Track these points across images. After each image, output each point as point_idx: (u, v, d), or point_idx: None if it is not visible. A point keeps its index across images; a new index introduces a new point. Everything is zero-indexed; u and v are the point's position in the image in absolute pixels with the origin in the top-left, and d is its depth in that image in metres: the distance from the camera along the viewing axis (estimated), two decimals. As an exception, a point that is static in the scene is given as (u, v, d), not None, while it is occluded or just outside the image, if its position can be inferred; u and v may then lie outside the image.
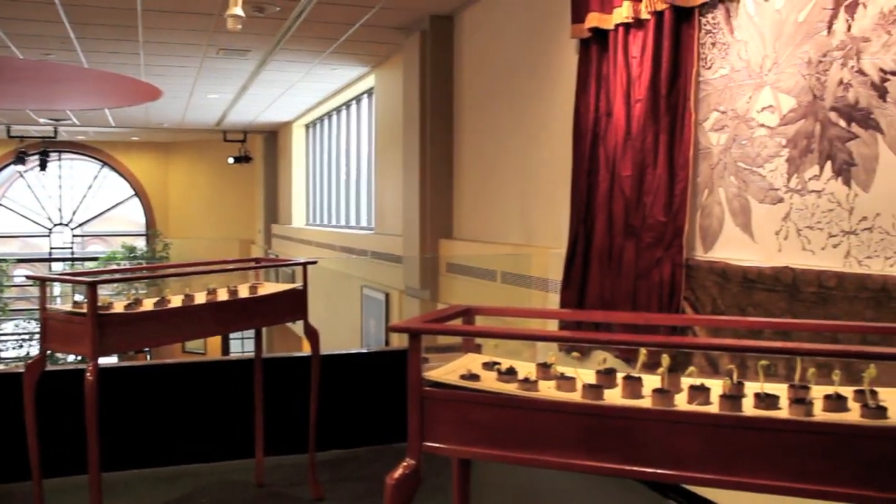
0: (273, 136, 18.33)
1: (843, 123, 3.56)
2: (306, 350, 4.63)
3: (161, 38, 8.95)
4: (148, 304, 3.89)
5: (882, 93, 3.37)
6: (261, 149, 18.67)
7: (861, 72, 3.47)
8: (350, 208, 13.34)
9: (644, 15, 4.66)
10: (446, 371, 2.44)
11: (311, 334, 4.47)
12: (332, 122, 14.38)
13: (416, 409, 2.27)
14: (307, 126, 16.30)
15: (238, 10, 5.81)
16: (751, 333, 3.30)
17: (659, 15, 4.57)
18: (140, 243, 20.69)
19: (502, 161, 6.99)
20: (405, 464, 2.28)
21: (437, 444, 2.28)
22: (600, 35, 5.10)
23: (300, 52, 9.69)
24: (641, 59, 4.72)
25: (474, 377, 2.33)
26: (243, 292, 4.26)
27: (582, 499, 4.60)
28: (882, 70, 3.37)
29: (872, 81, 3.41)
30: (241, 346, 17.60)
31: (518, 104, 6.66)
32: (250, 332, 4.87)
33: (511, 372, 2.35)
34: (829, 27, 3.63)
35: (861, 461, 1.86)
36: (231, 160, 18.26)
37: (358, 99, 12.58)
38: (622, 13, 4.81)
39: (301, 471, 4.72)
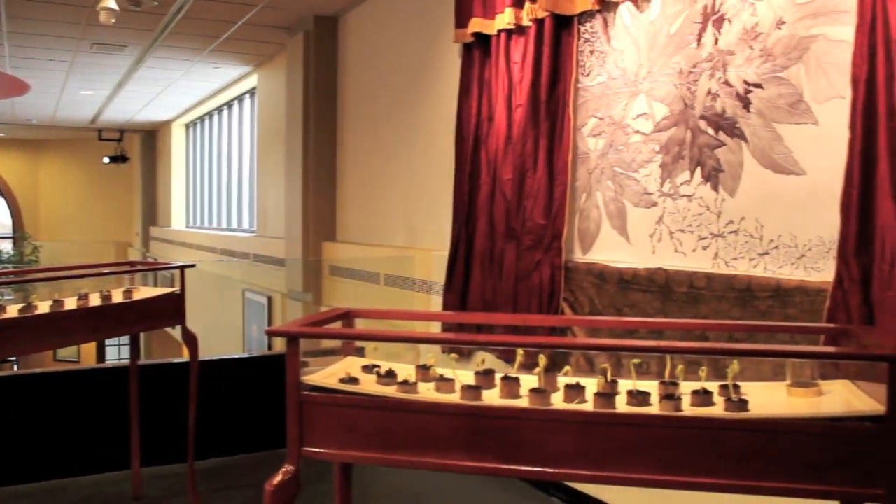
0: (151, 136, 17.74)
1: (711, 131, 3.73)
2: (186, 356, 4.50)
3: (29, 29, 8.50)
4: (12, 311, 3.69)
5: (746, 103, 3.54)
6: (138, 148, 18.03)
7: (727, 83, 3.64)
8: (232, 210, 13.06)
9: (526, 22, 4.75)
10: (325, 375, 2.42)
11: (190, 339, 4.35)
12: (214, 121, 14.04)
13: (295, 414, 2.24)
14: (187, 125, 15.86)
15: (111, 4, 5.61)
16: (627, 333, 3.42)
17: (540, 22, 4.66)
18: (6, 246, 19.61)
19: (385, 163, 6.99)
20: (284, 469, 2.24)
21: (316, 449, 2.25)
22: (483, 40, 5.17)
23: (180, 49, 9.42)
24: (522, 65, 4.81)
25: (353, 380, 2.32)
26: (117, 297, 4.10)
27: (466, 500, 4.63)
28: (746, 82, 3.54)
29: (737, 92, 3.58)
30: (118, 352, 16.96)
31: (401, 107, 6.67)
32: (127, 339, 4.71)
33: (390, 374, 2.35)
34: (699, 40, 3.80)
35: (725, 452, 1.95)
36: (106, 160, 17.59)
37: (240, 99, 12.33)
38: (504, 19, 4.89)
39: (180, 481, 4.57)
